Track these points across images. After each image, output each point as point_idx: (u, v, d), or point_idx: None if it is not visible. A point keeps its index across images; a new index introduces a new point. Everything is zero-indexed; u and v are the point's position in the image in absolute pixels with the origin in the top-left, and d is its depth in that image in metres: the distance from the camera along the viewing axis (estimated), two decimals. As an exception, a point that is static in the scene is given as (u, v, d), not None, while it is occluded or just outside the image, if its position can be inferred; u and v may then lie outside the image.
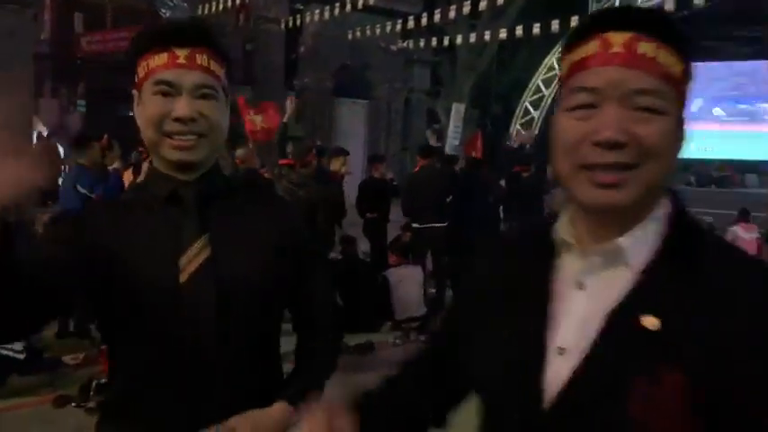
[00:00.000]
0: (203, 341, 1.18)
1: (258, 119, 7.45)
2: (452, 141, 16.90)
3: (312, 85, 17.47)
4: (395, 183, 7.85)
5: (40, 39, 14.75)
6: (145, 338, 1.19)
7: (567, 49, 0.87)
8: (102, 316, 1.26)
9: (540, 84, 18.71)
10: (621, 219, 0.84)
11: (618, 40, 0.81)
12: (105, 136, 5.38)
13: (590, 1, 18.22)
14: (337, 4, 12.68)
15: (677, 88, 0.83)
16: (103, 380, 3.96)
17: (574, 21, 14.01)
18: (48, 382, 4.26)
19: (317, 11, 13.29)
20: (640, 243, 0.84)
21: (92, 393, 3.97)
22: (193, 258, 1.19)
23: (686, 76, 0.84)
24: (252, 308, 1.23)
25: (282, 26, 15.54)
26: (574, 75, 0.84)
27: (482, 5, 12.44)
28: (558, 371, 0.84)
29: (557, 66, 18.43)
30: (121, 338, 1.24)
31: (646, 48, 0.80)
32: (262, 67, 16.75)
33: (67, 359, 4.46)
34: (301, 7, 16.33)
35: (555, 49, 18.16)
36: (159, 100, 1.19)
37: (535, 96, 18.79)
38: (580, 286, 0.87)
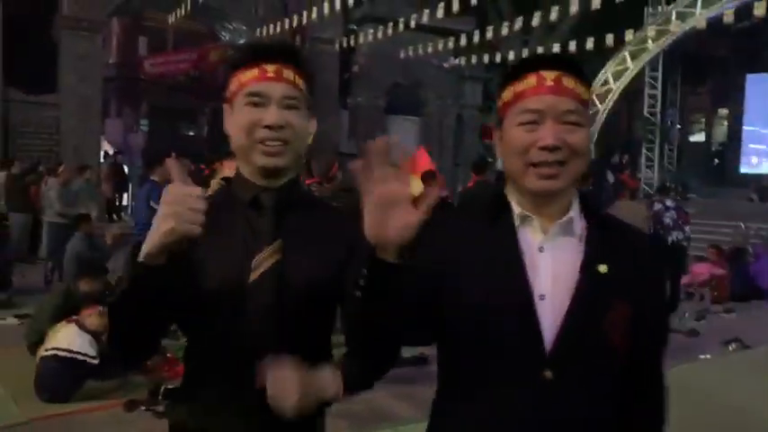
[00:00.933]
0: (264, 336, 1.26)
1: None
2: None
3: (365, 103, 17.74)
4: (449, 201, 7.91)
5: (108, 62, 15.34)
6: (214, 329, 1.29)
7: (509, 83, 1.23)
8: (182, 311, 1.31)
9: (595, 98, 18.44)
10: (557, 200, 1.22)
11: (550, 76, 1.18)
12: (174, 154, 5.65)
13: (645, 15, 17.95)
14: (390, 24, 12.89)
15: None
16: (170, 385, 4.16)
17: (629, 35, 13.90)
18: (119, 386, 4.49)
19: (371, 31, 13.54)
20: (578, 218, 1.24)
21: (160, 398, 4.17)
22: (264, 260, 1.29)
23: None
24: (312, 310, 1.32)
25: (337, 46, 15.86)
26: (520, 100, 1.20)
27: (534, 21, 12.45)
28: (543, 313, 1.17)
29: (611, 80, 18.22)
30: (194, 330, 1.35)
31: (568, 82, 1.19)
32: (316, 87, 17.12)
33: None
34: (355, 28, 16.65)
35: (609, 64, 17.91)
36: (250, 110, 1.31)
37: (590, 111, 18.57)
38: (541, 250, 1.21)
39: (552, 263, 1.20)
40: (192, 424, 1.32)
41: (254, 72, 1.32)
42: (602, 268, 1.18)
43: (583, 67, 1.22)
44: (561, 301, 1.16)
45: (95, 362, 4.34)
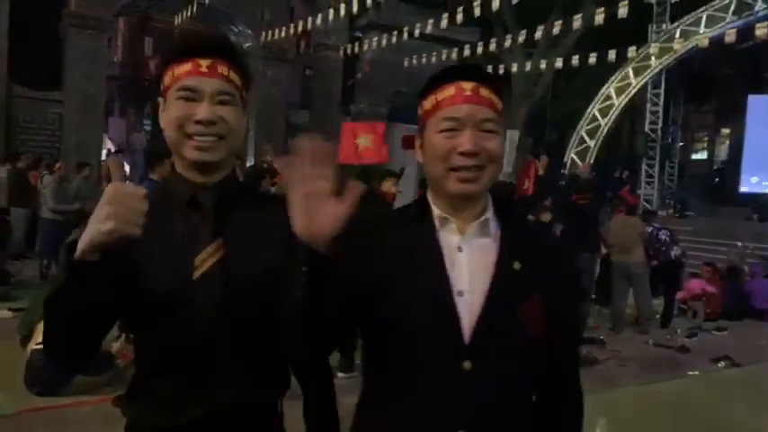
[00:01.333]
0: (212, 334, 1.28)
1: (363, 140, 7.56)
2: (505, 169, 16.87)
3: (367, 110, 17.80)
4: None
5: (113, 61, 15.41)
6: (161, 329, 1.29)
7: (429, 92, 1.30)
8: (126, 310, 1.33)
9: (597, 113, 18.49)
10: (474, 202, 1.30)
11: (468, 86, 1.25)
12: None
13: (649, 32, 18.04)
14: (395, 33, 12.96)
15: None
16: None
17: (631, 51, 13.96)
18: (108, 382, 4.51)
19: (375, 38, 13.60)
20: (492, 219, 1.32)
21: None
22: (207, 259, 1.29)
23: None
24: (257, 306, 1.31)
25: (341, 53, 15.94)
26: (440, 109, 1.27)
27: (538, 35, 12.52)
28: (462, 308, 1.24)
29: (614, 95, 18.28)
30: (141, 329, 1.35)
31: (485, 92, 1.26)
32: (320, 93, 17.20)
33: (119, 362, 4.66)
34: (360, 35, 16.73)
35: (612, 79, 17.98)
36: (182, 104, 1.30)
37: (591, 125, 18.56)
38: (459, 249, 1.28)
39: (470, 261, 1.27)
40: (147, 422, 1.33)
41: (188, 66, 1.30)
42: (516, 265, 1.28)
43: (498, 81, 1.31)
44: (478, 297, 1.24)
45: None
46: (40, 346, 4.28)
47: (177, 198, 1.35)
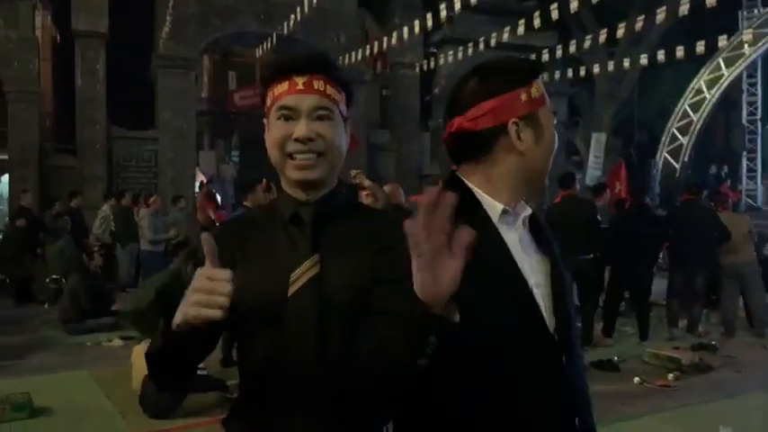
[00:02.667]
0: (305, 351, 1.24)
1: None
2: (594, 172, 16.36)
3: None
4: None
5: (201, 97, 16.15)
6: (257, 347, 1.29)
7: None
8: (229, 326, 1.33)
9: (688, 108, 17.65)
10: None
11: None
12: (264, 179, 5.85)
13: (740, 18, 17.12)
14: (470, 45, 12.90)
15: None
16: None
17: (722, 41, 13.27)
18: (218, 403, 4.64)
19: (451, 52, 13.58)
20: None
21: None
22: (302, 274, 1.27)
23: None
24: (351, 323, 1.25)
25: (417, 69, 16.01)
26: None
27: (619, 33, 12.11)
28: (539, 300, 1.23)
29: (705, 89, 17.41)
30: (242, 347, 1.36)
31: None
32: (398, 111, 17.31)
33: (232, 384, 4.78)
34: (435, 50, 16.76)
35: (703, 72, 17.15)
36: (282, 124, 1.31)
37: (683, 122, 17.74)
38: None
39: (526, 253, 1.32)
40: None
41: (285, 85, 1.32)
42: (550, 254, 1.35)
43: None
44: (545, 288, 1.29)
45: (199, 372, 4.52)
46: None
47: (281, 215, 1.36)
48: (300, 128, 1.29)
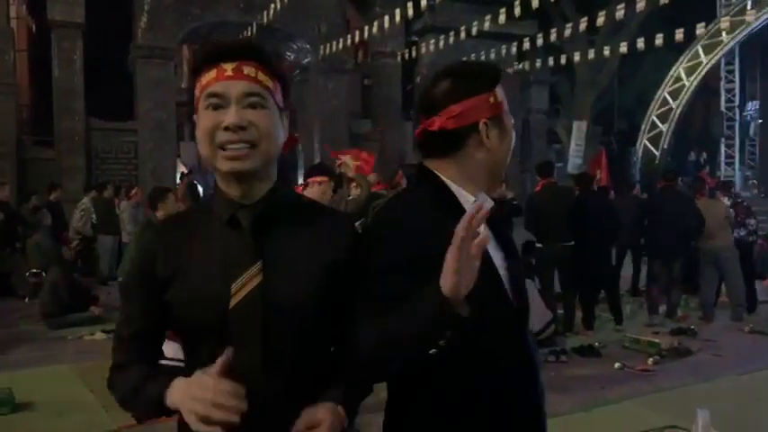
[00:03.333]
0: (249, 368, 1.17)
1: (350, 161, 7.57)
2: (575, 160, 16.48)
3: (429, 114, 17.70)
4: (515, 202, 7.82)
5: (180, 87, 15.99)
6: (197, 358, 1.22)
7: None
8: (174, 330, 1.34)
9: (667, 96, 17.79)
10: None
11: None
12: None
13: (717, 6, 17.27)
14: (452, 34, 12.88)
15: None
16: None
17: (700, 28, 13.37)
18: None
19: (432, 41, 13.56)
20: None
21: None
22: (245, 284, 1.20)
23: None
24: (298, 337, 1.22)
25: (399, 59, 15.97)
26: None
27: (599, 21, 12.16)
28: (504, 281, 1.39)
29: (684, 76, 17.55)
30: (186, 354, 1.32)
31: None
32: (380, 100, 17.26)
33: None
34: (416, 39, 16.72)
35: (682, 59, 17.28)
36: (210, 113, 1.22)
37: (662, 109, 17.87)
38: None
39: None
40: None
41: (213, 73, 1.23)
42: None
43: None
44: (503, 267, 1.43)
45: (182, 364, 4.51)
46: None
47: (219, 217, 1.27)
48: (230, 115, 1.20)
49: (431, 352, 1.16)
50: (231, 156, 1.21)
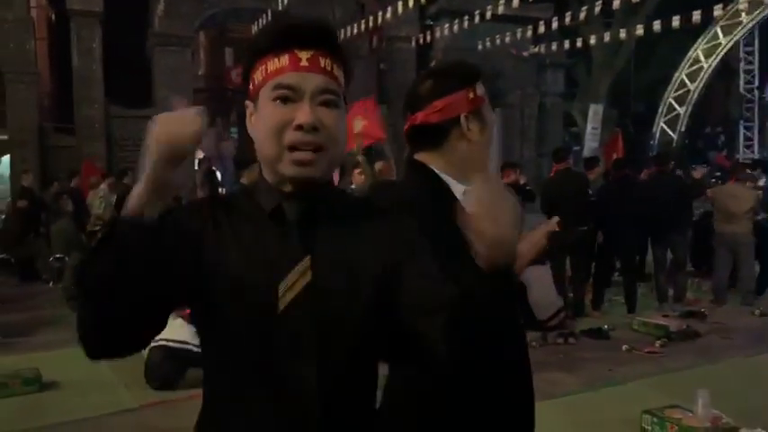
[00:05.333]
0: (303, 386, 1.05)
1: (358, 123, 7.54)
2: (591, 144, 16.41)
3: (445, 98, 17.70)
4: (528, 187, 7.89)
5: (198, 74, 16.15)
6: (237, 367, 1.08)
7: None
8: (199, 324, 1.15)
9: (685, 78, 17.68)
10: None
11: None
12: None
13: (736, -14, 17.01)
14: (466, 17, 12.88)
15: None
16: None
17: (718, 9, 13.24)
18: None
19: (447, 25, 13.57)
20: None
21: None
22: (293, 285, 1.06)
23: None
24: (351, 350, 1.09)
25: (413, 43, 15.98)
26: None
27: (615, 4, 12.09)
28: None
29: (702, 58, 17.39)
30: (217, 357, 1.12)
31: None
32: (395, 85, 17.30)
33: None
34: (431, 23, 16.70)
35: (700, 41, 17.11)
36: (279, 107, 1.07)
37: (680, 92, 17.76)
38: None
39: None
40: None
41: (285, 59, 1.08)
42: None
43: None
44: None
45: (198, 350, 4.67)
46: (160, 343, 4.63)
47: (260, 206, 1.13)
48: (304, 113, 1.06)
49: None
50: (299, 160, 1.07)
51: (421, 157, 1.55)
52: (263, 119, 1.09)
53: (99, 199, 11.06)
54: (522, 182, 7.94)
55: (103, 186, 11.27)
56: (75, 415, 4.34)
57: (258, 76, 1.10)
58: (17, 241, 9.89)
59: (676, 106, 17.86)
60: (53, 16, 19.17)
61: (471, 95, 1.51)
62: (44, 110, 16.32)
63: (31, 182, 10.70)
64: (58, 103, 18.63)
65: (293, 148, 1.06)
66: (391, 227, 1.16)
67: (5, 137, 14.51)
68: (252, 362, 1.06)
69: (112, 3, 14.70)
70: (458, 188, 1.48)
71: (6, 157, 15.02)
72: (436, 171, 1.52)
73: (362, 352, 1.10)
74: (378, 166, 6.24)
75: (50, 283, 9.18)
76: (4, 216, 10.47)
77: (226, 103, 23.66)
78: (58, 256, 9.13)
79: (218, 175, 16.97)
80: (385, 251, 1.11)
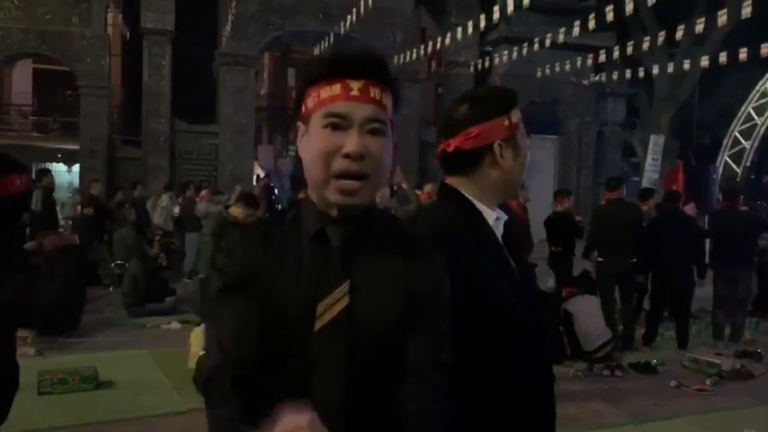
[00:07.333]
0: (330, 402, 1.09)
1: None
2: (650, 175, 16.05)
3: (501, 124, 17.67)
4: (581, 224, 7.82)
5: (260, 93, 16.65)
6: (273, 382, 1.12)
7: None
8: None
9: (752, 111, 17.10)
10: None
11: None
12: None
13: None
14: (526, 44, 12.89)
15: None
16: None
17: (787, 42, 12.83)
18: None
19: (506, 52, 13.61)
20: None
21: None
22: (331, 306, 1.12)
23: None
24: (380, 368, 1.14)
25: (472, 69, 16.07)
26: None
27: (679, 35, 11.89)
28: None
29: (769, 92, 16.82)
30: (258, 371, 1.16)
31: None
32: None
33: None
34: (490, 49, 16.77)
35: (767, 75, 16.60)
36: (328, 134, 1.13)
37: (746, 125, 17.19)
38: None
39: None
40: None
41: (336, 88, 1.14)
42: None
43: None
44: None
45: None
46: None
47: (305, 228, 1.19)
48: (352, 141, 1.12)
49: None
50: (345, 189, 1.13)
51: (453, 181, 1.54)
52: (312, 143, 1.15)
53: (160, 209, 11.51)
54: (577, 218, 7.86)
55: (164, 197, 11.72)
56: (127, 414, 4.55)
57: (310, 101, 1.17)
58: (82, 247, 10.34)
59: (742, 140, 17.29)
60: (128, 34, 20.12)
61: (507, 123, 1.49)
62: (114, 122, 17.08)
63: (99, 191, 11.21)
64: (127, 116, 19.48)
65: (340, 175, 1.12)
66: (421, 261, 1.20)
67: (77, 147, 15.25)
68: (283, 376, 1.12)
69: (183, 23, 15.36)
70: (489, 214, 1.50)
71: (77, 167, 15.78)
72: (471, 198, 1.51)
73: (388, 373, 1.15)
74: (427, 189, 6.26)
75: (111, 288, 9.57)
76: (72, 222, 10.95)
77: (286, 121, 24.22)
78: (119, 262, 9.51)
79: (276, 191, 17.40)
80: (411, 282, 1.17)
